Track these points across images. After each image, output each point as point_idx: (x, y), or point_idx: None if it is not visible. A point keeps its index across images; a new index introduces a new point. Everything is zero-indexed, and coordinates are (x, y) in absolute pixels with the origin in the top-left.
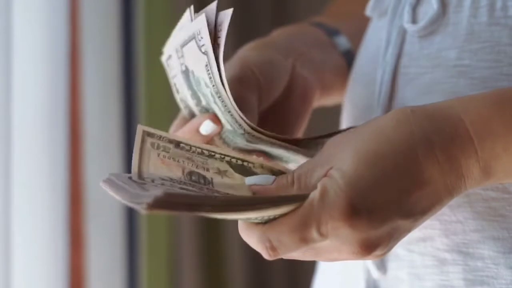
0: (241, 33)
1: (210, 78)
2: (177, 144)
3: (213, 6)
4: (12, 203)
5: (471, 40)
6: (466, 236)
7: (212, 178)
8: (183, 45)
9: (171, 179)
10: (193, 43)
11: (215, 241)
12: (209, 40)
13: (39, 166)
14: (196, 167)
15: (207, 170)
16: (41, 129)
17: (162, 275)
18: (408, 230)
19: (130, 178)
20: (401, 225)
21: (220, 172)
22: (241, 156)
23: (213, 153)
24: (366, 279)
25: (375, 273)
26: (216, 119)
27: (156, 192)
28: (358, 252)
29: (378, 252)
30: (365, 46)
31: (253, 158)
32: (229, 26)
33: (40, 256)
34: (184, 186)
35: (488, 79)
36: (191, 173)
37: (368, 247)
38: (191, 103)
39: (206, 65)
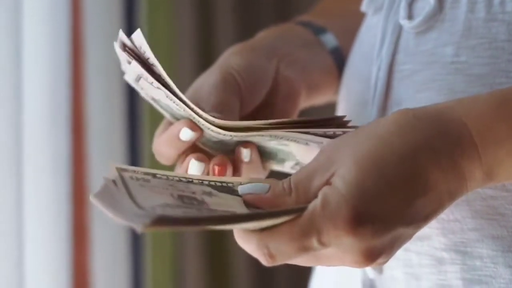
0: (244, 34)
1: (177, 105)
2: (154, 175)
3: (135, 38)
4: (23, 200)
5: (468, 36)
6: (464, 235)
7: (203, 199)
8: (137, 80)
9: (167, 204)
10: (142, 81)
11: (220, 237)
12: (154, 80)
13: (43, 163)
14: (182, 192)
15: (193, 193)
16: (44, 126)
17: (167, 271)
18: (410, 237)
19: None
20: (403, 232)
21: (205, 193)
22: (217, 178)
23: (190, 179)
24: (362, 279)
25: (371, 273)
26: (194, 126)
27: (153, 212)
28: (361, 261)
29: (380, 260)
30: (359, 42)
31: (230, 178)
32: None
33: (44, 252)
34: (183, 209)
35: (485, 75)
36: (181, 197)
37: (371, 256)
38: (169, 115)
39: (167, 96)
